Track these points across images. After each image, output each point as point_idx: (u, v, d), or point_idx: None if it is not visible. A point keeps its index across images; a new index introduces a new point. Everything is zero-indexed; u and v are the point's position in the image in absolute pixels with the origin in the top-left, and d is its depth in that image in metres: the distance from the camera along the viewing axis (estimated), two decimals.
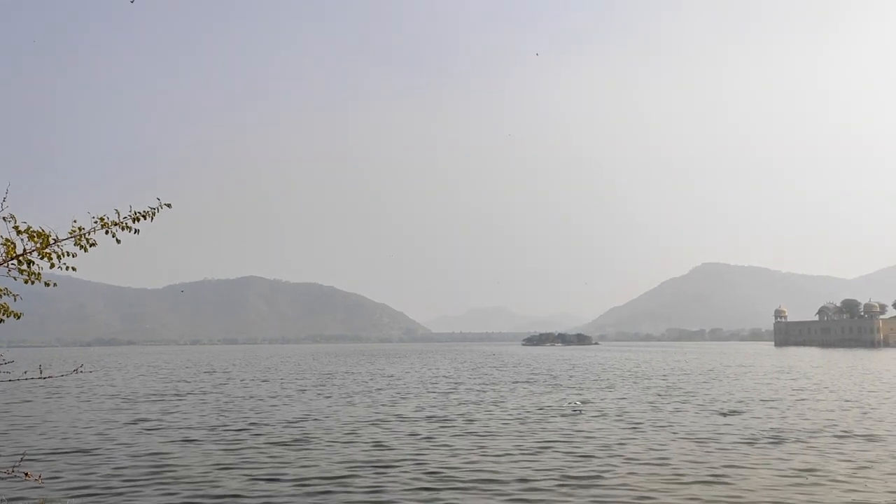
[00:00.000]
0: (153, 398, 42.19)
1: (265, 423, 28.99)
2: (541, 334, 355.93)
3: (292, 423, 28.92)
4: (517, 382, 52.66)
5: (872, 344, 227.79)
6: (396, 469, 19.07)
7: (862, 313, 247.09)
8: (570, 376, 61.01)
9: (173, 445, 23.32)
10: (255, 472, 18.78)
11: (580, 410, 32.32)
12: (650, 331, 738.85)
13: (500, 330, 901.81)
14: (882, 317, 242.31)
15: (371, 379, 59.35)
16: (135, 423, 29.77)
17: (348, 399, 39.88)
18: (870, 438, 23.54)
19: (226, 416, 31.48)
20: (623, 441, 23.26)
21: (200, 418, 30.96)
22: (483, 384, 51.13)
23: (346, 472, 18.66)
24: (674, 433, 24.95)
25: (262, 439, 24.40)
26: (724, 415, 30.40)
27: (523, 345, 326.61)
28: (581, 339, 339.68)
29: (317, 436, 25.04)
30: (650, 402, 35.96)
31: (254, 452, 21.73)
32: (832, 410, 32.12)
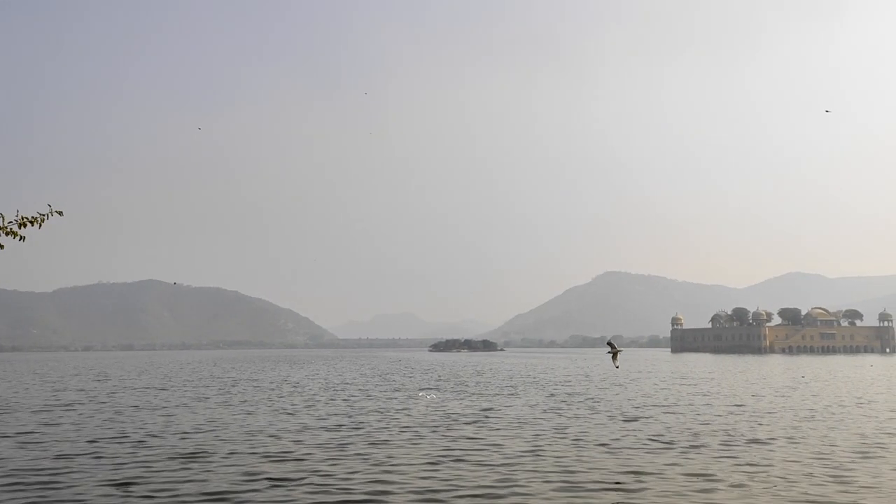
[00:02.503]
0: (34, 408, 39.57)
1: (160, 434, 27.61)
2: (447, 340, 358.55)
3: (189, 434, 27.66)
4: (424, 389, 52.45)
5: (760, 350, 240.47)
6: (295, 483, 18.43)
7: (751, 321, 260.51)
8: (477, 382, 61.31)
9: (48, 461, 21.76)
10: (145, 489, 17.72)
11: (429, 397, 32.21)
12: (554, 337, 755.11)
13: (407, 336, 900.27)
14: (769, 324, 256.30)
15: (274, 386, 57.83)
16: (6, 436, 27.66)
17: (250, 408, 38.62)
18: (760, 442, 24.53)
19: (116, 428, 29.81)
20: (525, 448, 23.35)
21: (85, 431, 29.19)
22: (389, 391, 50.65)
23: (244, 487, 17.88)
24: (576, 439, 25.28)
25: (155, 452, 23.16)
26: (628, 421, 31.11)
27: (430, 351, 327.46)
28: (487, 346, 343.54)
29: (215, 448, 23.99)
30: (554, 408, 36.45)
31: (142, 469, 20.54)
32: (728, 415, 33.40)
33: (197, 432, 28.15)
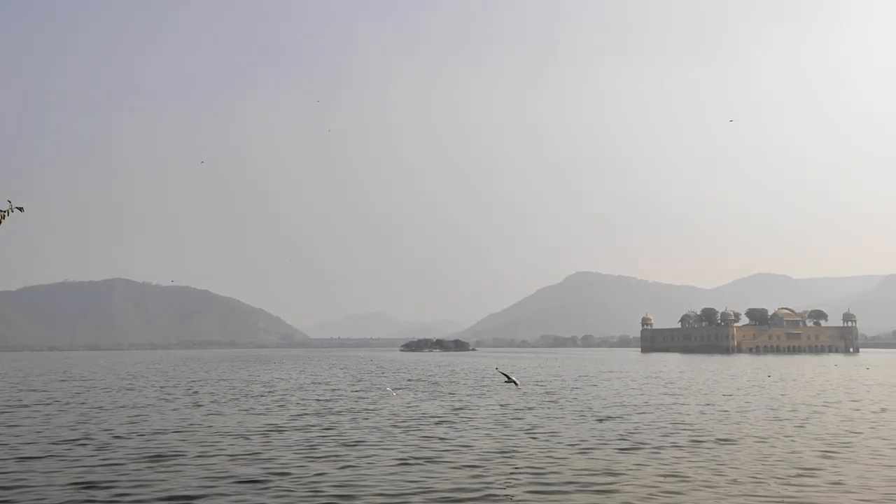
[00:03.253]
0: None
1: (126, 435, 27.14)
2: (419, 340, 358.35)
3: (156, 435, 27.24)
4: (396, 388, 52.28)
5: (728, 350, 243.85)
6: (264, 484, 18.21)
7: (719, 321, 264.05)
8: (451, 381, 61.29)
9: (11, 463, 21.28)
10: (110, 492, 17.38)
11: (397, 400, 32.28)
12: (525, 337, 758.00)
13: (379, 336, 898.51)
14: (736, 325, 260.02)
15: (244, 387, 57.25)
16: None
17: (218, 408, 38.16)
18: (728, 441, 24.80)
19: (80, 430, 29.26)
20: (497, 448, 23.33)
21: (48, 432, 28.60)
22: (361, 391, 50.41)
23: (213, 490, 17.62)
24: (548, 439, 25.32)
25: (120, 454, 22.75)
26: (600, 420, 31.26)
27: (402, 350, 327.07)
28: (459, 345, 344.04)
29: (183, 449, 23.63)
30: (526, 408, 36.50)
31: (107, 472, 20.16)
32: (698, 415, 33.73)
33: (164, 433, 27.72)
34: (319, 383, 61.50)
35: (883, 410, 35.67)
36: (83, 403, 42.29)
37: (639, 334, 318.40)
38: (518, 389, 32.25)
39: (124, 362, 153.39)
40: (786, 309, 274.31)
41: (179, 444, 24.73)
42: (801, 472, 19.36)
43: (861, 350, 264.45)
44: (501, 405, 38.64)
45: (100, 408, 39.29)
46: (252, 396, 46.55)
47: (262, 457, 22.05)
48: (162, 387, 58.51)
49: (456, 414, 34.24)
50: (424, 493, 17.19)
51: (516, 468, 19.94)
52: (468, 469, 19.93)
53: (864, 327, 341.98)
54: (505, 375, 31.88)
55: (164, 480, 18.60)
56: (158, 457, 22.18)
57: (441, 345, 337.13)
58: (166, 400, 44.40)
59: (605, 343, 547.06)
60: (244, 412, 35.97)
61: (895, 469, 19.79)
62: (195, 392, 51.32)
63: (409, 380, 66.39)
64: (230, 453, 22.75)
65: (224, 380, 69.12)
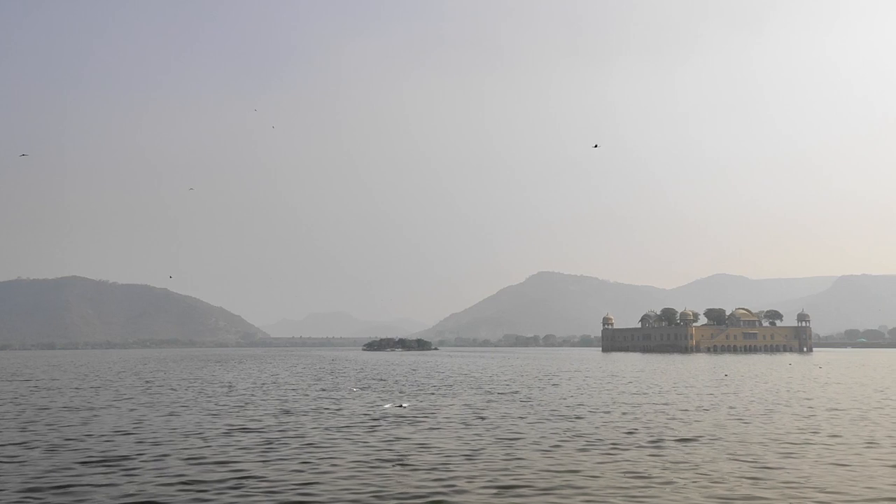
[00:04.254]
0: None
1: (79, 437, 26.46)
2: (381, 339, 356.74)
3: (111, 437, 26.60)
4: (357, 389, 51.95)
5: (687, 349, 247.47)
6: (223, 486, 17.88)
7: (678, 321, 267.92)
8: (415, 382, 61.10)
9: None
10: (63, 498, 16.89)
11: (357, 391, 32.15)
12: (488, 336, 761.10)
13: (341, 335, 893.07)
14: (695, 324, 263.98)
15: (203, 386, 56.35)
16: None
17: (176, 408, 37.45)
18: (687, 440, 25.10)
19: (31, 431, 28.45)
20: (461, 448, 23.28)
21: None
22: (323, 390, 49.96)
23: (170, 492, 17.24)
24: (512, 439, 25.34)
25: (73, 457, 22.15)
26: (562, 420, 31.40)
27: (364, 350, 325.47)
28: (421, 345, 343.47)
29: (139, 451, 23.11)
30: (489, 408, 36.52)
31: (60, 475, 19.60)
32: (658, 413, 34.09)
33: (120, 435, 27.10)
34: (280, 383, 60.85)
35: (836, 409, 36.49)
36: (34, 405, 41.16)
37: (600, 334, 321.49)
38: (402, 407, 32.18)
39: (79, 362, 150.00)
40: (743, 309, 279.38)
41: (136, 446, 24.18)
42: (758, 470, 19.66)
43: (814, 349, 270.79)
44: (465, 405, 38.61)
45: (51, 409, 38.29)
46: (211, 396, 45.82)
47: (220, 458, 21.65)
48: (118, 387, 57.29)
49: (421, 414, 34.10)
50: (384, 494, 17.04)
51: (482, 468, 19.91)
52: (430, 470, 19.83)
53: (818, 327, 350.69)
54: (393, 405, 32.46)
55: (120, 484, 18.16)
56: (115, 459, 21.65)
57: (403, 344, 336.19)
58: (123, 400, 43.47)
59: (566, 342, 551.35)
60: (203, 412, 35.37)
61: (849, 467, 20.22)
62: (153, 392, 50.35)
63: (372, 379, 66.04)
64: (187, 455, 22.30)
65: (182, 379, 67.97)
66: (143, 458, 21.91)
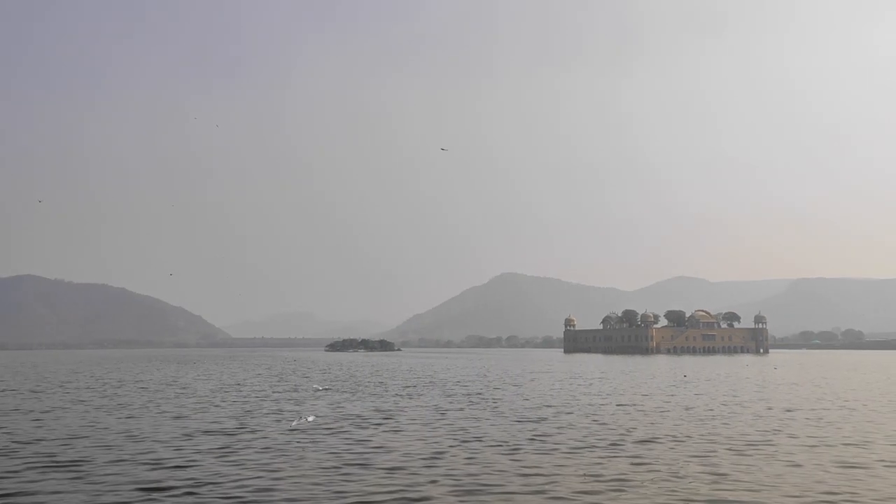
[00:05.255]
0: None
1: (31, 441, 25.76)
2: (344, 340, 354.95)
3: (65, 441, 25.96)
4: (320, 390, 51.54)
5: (647, 350, 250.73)
6: (178, 491, 17.56)
7: (639, 323, 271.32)
8: (377, 383, 60.82)
9: None
10: None
11: (306, 420, 31.24)
12: (451, 337, 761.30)
13: (304, 335, 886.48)
14: (655, 326, 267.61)
15: (161, 388, 55.37)
16: None
17: (133, 411, 36.72)
18: (647, 441, 25.38)
19: None
20: (424, 451, 23.23)
21: None
22: (285, 391, 49.44)
23: (125, 498, 16.87)
24: (475, 441, 25.36)
25: (24, 462, 21.56)
26: (524, 422, 31.51)
27: (326, 351, 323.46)
28: (384, 346, 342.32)
29: (93, 455, 22.59)
30: (452, 409, 36.51)
31: (10, 482, 19.05)
32: (619, 414, 34.43)
33: (74, 439, 26.47)
34: (241, 384, 60.10)
35: (792, 409, 37.24)
36: None
37: (562, 335, 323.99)
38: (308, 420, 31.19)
39: (32, 363, 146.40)
40: (702, 311, 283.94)
41: (91, 450, 23.63)
42: (716, 471, 19.95)
43: (770, 350, 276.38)
44: (427, 407, 38.56)
45: (2, 411, 37.25)
46: (169, 399, 45.05)
47: (177, 462, 21.28)
48: (73, 388, 56.01)
49: (381, 416, 33.95)
50: (348, 496, 16.91)
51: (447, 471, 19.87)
52: (391, 472, 19.73)
53: (774, 329, 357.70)
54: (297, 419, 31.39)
55: (73, 489, 17.72)
56: (69, 464, 21.14)
57: (366, 345, 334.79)
58: (77, 403, 42.51)
59: (529, 343, 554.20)
60: (161, 415, 34.75)
61: (805, 467, 20.63)
62: (108, 395, 49.33)
63: (334, 380, 65.60)
64: (144, 459, 21.87)
65: (139, 381, 66.74)
66: (98, 462, 21.43)
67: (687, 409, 37.54)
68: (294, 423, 30.30)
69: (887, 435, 27.33)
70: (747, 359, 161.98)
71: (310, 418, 31.70)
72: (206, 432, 28.06)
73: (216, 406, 39.67)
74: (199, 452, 23.12)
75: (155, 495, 17.13)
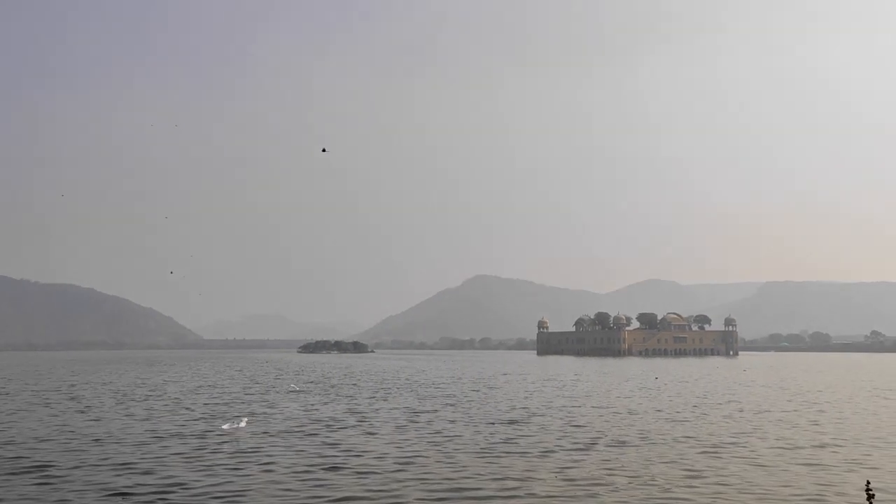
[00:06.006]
0: None
1: None
2: (317, 342, 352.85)
3: (30, 444, 25.41)
4: (292, 392, 51.13)
5: (619, 353, 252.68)
6: (150, 496, 17.26)
7: (612, 325, 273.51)
8: (351, 384, 60.51)
9: None
10: None
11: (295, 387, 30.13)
12: (424, 339, 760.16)
13: (277, 337, 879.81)
14: (628, 328, 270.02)
15: (130, 390, 54.54)
16: None
17: (100, 413, 36.11)
18: (620, 443, 25.50)
19: None
20: (397, 453, 23.10)
21: None
22: (257, 394, 48.96)
23: (91, 503, 16.53)
24: (448, 443, 25.27)
25: None
26: (497, 424, 31.49)
27: (299, 352, 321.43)
28: (357, 347, 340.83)
29: (59, 460, 22.13)
30: (426, 411, 36.40)
31: None
32: (593, 416, 34.57)
33: (40, 441, 25.93)
34: (213, 386, 59.43)
35: (761, 411, 37.68)
36: None
37: (535, 337, 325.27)
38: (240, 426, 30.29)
39: None
40: (673, 314, 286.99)
41: (56, 454, 23.16)
42: (688, 472, 20.07)
43: (740, 353, 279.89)
44: (401, 409, 38.42)
45: None
46: (138, 401, 44.39)
47: (146, 466, 20.92)
48: (38, 391, 54.95)
49: (354, 418, 33.75)
50: (322, 499, 16.74)
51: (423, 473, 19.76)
52: (364, 476, 19.59)
53: (743, 331, 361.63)
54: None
55: (38, 495, 17.34)
56: (33, 468, 20.69)
57: (339, 346, 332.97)
58: (43, 405, 41.70)
59: (502, 345, 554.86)
60: (129, 417, 34.21)
61: (776, 468, 20.85)
62: (75, 397, 48.48)
63: (307, 382, 65.15)
64: (114, 462, 21.48)
65: (108, 383, 65.71)
66: (67, 466, 21.00)
67: (659, 411, 37.81)
68: (226, 427, 29.73)
69: (854, 436, 27.75)
70: (717, 361, 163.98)
71: (241, 423, 30.71)
72: (175, 435, 27.64)
73: (186, 408, 39.15)
74: (167, 455, 22.75)
75: (125, 499, 16.81)
